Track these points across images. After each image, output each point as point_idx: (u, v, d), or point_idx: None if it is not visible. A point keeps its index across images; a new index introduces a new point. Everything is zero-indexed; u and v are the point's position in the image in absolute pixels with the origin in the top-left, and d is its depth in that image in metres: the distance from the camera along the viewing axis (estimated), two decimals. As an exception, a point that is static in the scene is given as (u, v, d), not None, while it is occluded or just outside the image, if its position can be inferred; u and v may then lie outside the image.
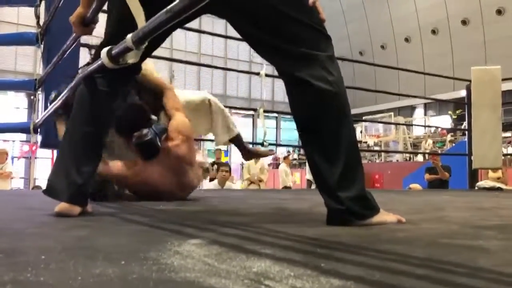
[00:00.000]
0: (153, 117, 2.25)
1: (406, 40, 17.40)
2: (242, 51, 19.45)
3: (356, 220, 1.22)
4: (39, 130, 2.97)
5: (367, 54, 17.32)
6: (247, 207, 2.01)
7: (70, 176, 1.40)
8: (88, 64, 2.00)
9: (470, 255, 0.80)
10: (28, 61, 13.67)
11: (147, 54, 1.44)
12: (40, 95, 3.00)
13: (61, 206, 1.38)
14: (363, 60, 15.15)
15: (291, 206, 2.00)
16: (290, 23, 1.26)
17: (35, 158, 14.22)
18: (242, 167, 6.24)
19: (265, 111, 3.87)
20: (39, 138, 3.01)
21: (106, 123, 1.51)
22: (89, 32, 1.60)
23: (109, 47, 1.25)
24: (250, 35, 1.35)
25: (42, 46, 2.97)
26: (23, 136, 12.00)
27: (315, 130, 1.28)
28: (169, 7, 0.92)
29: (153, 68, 2.44)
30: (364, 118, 12.37)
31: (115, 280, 0.58)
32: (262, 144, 3.76)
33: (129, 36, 1.10)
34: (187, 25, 1.64)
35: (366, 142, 14.45)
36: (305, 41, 1.26)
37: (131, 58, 1.22)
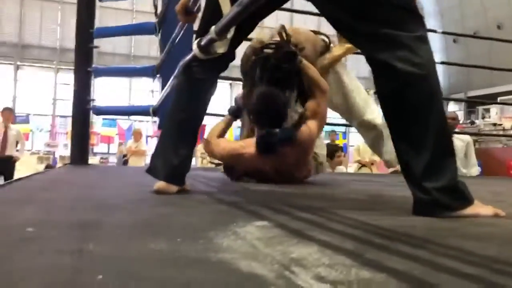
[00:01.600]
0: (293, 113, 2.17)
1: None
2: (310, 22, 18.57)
3: (445, 211, 1.14)
4: (157, 113, 3.24)
5: (482, 34, 15.55)
6: (342, 191, 1.99)
7: (168, 157, 1.53)
8: None
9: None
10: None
11: (238, 42, 1.50)
12: (158, 81, 3.26)
13: (159, 184, 1.52)
14: (502, 34, 13.67)
15: (389, 193, 1.93)
16: (375, 3, 1.21)
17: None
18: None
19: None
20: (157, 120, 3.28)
21: (202, 110, 1.61)
22: (192, 21, 1.71)
23: (199, 38, 1.32)
24: (335, 18, 1.32)
25: (160, 34, 3.22)
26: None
27: (401, 115, 1.22)
28: (239, 0, 0.95)
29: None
30: (499, 99, 11.20)
31: (156, 255, 0.63)
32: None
33: (213, 27, 1.16)
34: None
35: (501, 125, 13.09)
36: (390, 22, 1.20)
37: (220, 48, 1.27)
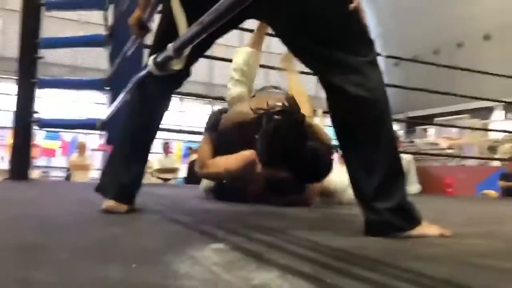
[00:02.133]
0: None
1: (485, 38, 16.32)
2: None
3: (395, 232, 1.17)
4: (106, 127, 3.14)
5: (443, 52, 16.47)
6: (295, 210, 1.99)
7: (119, 175, 1.48)
8: None
9: (496, 279, 0.74)
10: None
11: (194, 59, 1.48)
12: (107, 94, 3.18)
13: (108, 203, 1.46)
14: (439, 58, 14.49)
15: (341, 212, 1.97)
16: (329, 28, 1.24)
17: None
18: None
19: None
20: (105, 135, 3.18)
21: (155, 127, 1.58)
22: (145, 34, 1.68)
23: (155, 55, 1.30)
24: (289, 40, 1.34)
25: (109, 47, 3.15)
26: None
27: (352, 138, 1.25)
28: (200, 19, 0.94)
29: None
30: (435, 120, 11.80)
31: (110, 282, 0.60)
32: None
33: (170, 45, 1.14)
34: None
35: (437, 144, 13.80)
36: (345, 47, 1.23)
37: (176, 65, 1.26)
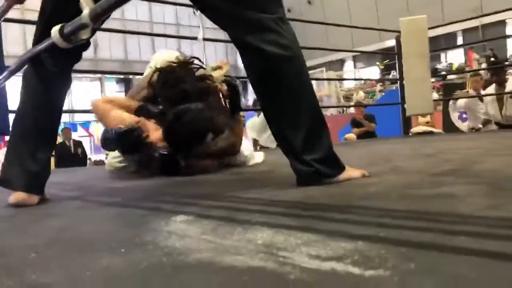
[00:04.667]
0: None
1: (332, -6, 17.57)
2: (168, 14, 18.85)
3: (326, 179, 1.26)
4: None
5: (294, 11, 17.38)
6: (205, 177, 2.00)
7: (25, 164, 1.32)
8: None
9: (446, 203, 0.85)
10: None
11: (97, 28, 1.36)
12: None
13: (17, 195, 1.31)
14: (292, 16, 15.23)
15: (248, 170, 2.02)
16: None
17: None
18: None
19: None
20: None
21: (58, 105, 1.42)
22: (22, 1, 1.47)
23: (60, 25, 1.16)
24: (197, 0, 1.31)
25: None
26: None
27: (274, 96, 1.28)
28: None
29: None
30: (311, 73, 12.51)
31: (129, 270, 0.56)
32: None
33: (86, 12, 1.03)
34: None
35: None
36: (253, 4, 1.23)
37: (84, 35, 1.14)
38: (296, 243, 0.62)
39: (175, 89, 2.01)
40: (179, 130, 1.89)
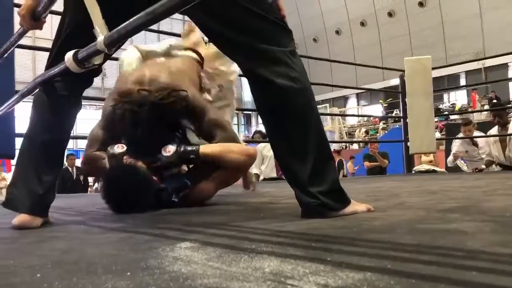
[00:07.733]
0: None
1: (337, 32, 17.96)
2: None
3: (330, 212, 1.25)
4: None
5: (301, 47, 17.74)
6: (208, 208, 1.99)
7: (31, 186, 1.33)
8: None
9: (455, 238, 0.85)
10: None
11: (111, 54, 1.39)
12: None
13: (21, 218, 1.31)
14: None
15: (250, 201, 2.01)
16: (251, 18, 1.26)
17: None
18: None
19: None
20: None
21: (67, 130, 1.44)
22: (40, 27, 1.51)
23: (74, 50, 1.18)
24: (213, 32, 1.34)
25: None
26: None
27: (283, 127, 1.30)
28: (151, 8, 0.89)
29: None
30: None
31: (135, 293, 0.56)
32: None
33: (101, 38, 1.05)
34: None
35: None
36: (266, 37, 1.26)
37: (97, 60, 1.17)
38: (304, 272, 0.62)
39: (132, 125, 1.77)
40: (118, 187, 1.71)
